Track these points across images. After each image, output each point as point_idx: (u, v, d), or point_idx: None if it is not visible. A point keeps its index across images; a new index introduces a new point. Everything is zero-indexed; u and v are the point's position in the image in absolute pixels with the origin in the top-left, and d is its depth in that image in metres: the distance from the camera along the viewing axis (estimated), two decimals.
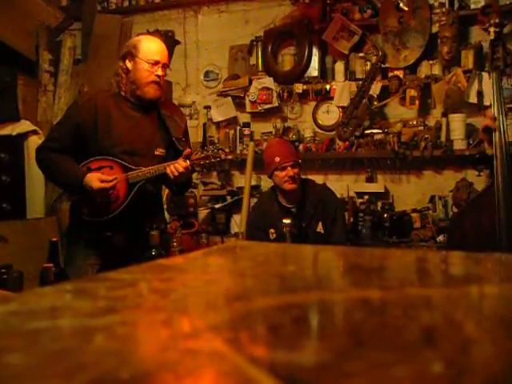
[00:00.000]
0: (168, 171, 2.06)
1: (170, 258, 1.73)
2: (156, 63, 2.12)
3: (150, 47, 2.15)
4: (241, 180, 3.66)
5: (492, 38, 2.48)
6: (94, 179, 2.07)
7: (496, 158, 2.33)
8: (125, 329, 0.39)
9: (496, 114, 2.35)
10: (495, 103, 2.36)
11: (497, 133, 2.34)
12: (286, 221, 2.03)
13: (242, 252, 0.92)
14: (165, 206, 2.99)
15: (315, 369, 0.31)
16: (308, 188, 2.58)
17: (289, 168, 2.47)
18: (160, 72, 2.12)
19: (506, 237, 2.27)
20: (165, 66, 2.16)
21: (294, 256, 0.89)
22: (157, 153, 2.18)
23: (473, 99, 3.06)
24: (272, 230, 2.49)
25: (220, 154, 2.11)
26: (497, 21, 2.50)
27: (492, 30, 2.48)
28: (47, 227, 3.20)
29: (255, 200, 3.22)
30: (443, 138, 3.15)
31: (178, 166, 2.05)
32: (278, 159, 2.49)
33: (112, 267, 1.92)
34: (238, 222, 3.33)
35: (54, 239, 1.66)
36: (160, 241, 1.82)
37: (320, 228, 2.49)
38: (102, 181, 2.07)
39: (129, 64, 2.14)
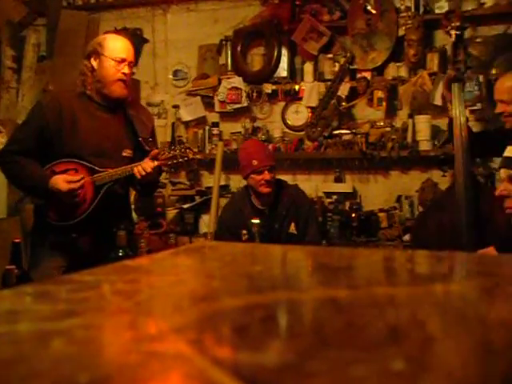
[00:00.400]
0: (135, 172, 2.03)
1: (136, 258, 1.71)
2: (122, 61, 2.08)
3: (116, 45, 2.12)
4: (210, 180, 3.64)
5: (454, 40, 2.54)
6: (60, 181, 2.02)
7: (456, 159, 2.39)
8: (85, 332, 0.38)
9: (457, 114, 2.41)
10: (457, 102, 2.43)
11: (457, 134, 2.39)
12: (255, 221, 2.03)
13: (210, 252, 0.91)
14: (132, 207, 2.94)
15: (278, 369, 0.31)
16: (281, 189, 2.56)
17: (266, 172, 2.44)
18: (126, 70, 2.09)
19: (467, 235, 2.32)
20: (131, 64, 2.13)
21: (262, 256, 0.89)
22: (124, 154, 2.15)
23: (438, 101, 3.13)
24: (244, 231, 2.47)
25: (188, 154, 2.09)
26: (458, 24, 2.57)
27: (453, 32, 2.54)
28: (10, 228, 3.11)
29: (224, 200, 3.21)
30: (409, 139, 3.21)
31: (145, 166, 2.02)
32: (255, 162, 2.46)
33: (78, 269, 1.88)
34: (206, 222, 3.31)
35: (17, 240, 1.61)
36: (127, 241, 1.79)
37: (292, 229, 2.49)
38: (69, 182, 2.02)
39: (94, 62, 2.10)
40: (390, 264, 0.80)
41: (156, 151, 2.06)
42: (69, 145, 2.08)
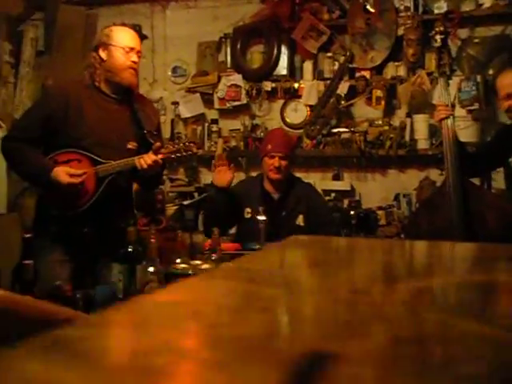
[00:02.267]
0: (137, 164, 2.04)
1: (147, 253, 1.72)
2: (131, 50, 2.12)
3: (124, 35, 2.15)
4: (208, 176, 3.64)
5: (438, 45, 2.58)
6: (62, 173, 2.02)
7: (446, 158, 2.41)
8: None
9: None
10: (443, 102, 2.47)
11: (445, 132, 2.42)
12: (261, 217, 2.05)
13: (317, 245, 0.92)
14: None
15: None
16: (295, 183, 2.65)
17: (277, 158, 2.53)
18: (135, 58, 2.13)
19: (458, 234, 2.34)
20: (139, 54, 2.16)
21: (367, 248, 0.93)
22: (129, 146, 2.15)
23: (436, 101, 3.17)
24: (248, 210, 2.54)
25: (191, 148, 2.11)
26: (441, 28, 2.61)
27: (438, 37, 2.58)
28: (10, 224, 3.10)
29: None
30: (407, 138, 3.25)
31: (146, 159, 2.03)
32: (269, 146, 2.56)
33: (82, 264, 1.89)
34: None
35: (28, 235, 1.62)
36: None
37: (300, 221, 2.54)
38: (71, 175, 2.02)
39: (103, 54, 2.12)
40: None
41: (159, 144, 2.07)
42: (74, 134, 2.08)
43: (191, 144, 2.12)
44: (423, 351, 0.36)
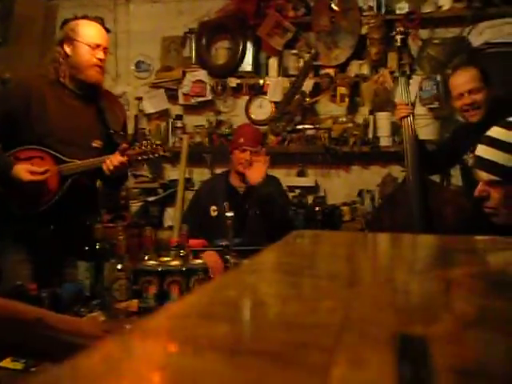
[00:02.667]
0: (103, 165, 2.00)
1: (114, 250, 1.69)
2: (97, 46, 2.06)
3: (90, 31, 2.09)
4: (172, 173, 3.62)
5: (399, 44, 2.64)
6: (23, 171, 1.96)
7: (406, 156, 2.47)
8: None
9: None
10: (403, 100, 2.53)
11: (405, 130, 2.48)
12: (229, 214, 2.05)
13: (326, 239, 0.93)
14: None
15: None
16: None
17: (248, 152, 2.55)
18: (101, 55, 2.07)
19: (418, 229, 2.41)
20: (105, 50, 2.10)
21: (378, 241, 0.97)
22: (94, 145, 2.11)
23: (397, 99, 3.24)
24: (214, 208, 2.54)
25: (158, 150, 2.08)
26: (402, 29, 2.68)
27: (398, 37, 2.64)
28: None
29: (189, 193, 3.20)
30: (370, 135, 3.31)
31: (113, 160, 2.00)
32: (241, 140, 2.58)
33: (47, 262, 1.83)
34: (171, 215, 3.30)
35: None
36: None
37: (257, 209, 2.56)
38: (32, 172, 1.97)
39: (68, 49, 2.06)
40: None
41: (126, 146, 2.04)
42: (37, 131, 2.02)
43: (158, 146, 2.09)
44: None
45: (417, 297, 0.53)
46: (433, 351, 0.33)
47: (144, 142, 2.13)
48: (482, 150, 1.47)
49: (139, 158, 2.06)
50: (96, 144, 2.11)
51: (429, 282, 0.57)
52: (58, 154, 2.02)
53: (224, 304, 0.46)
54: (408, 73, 2.68)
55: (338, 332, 0.37)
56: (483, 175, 1.47)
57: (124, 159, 2.01)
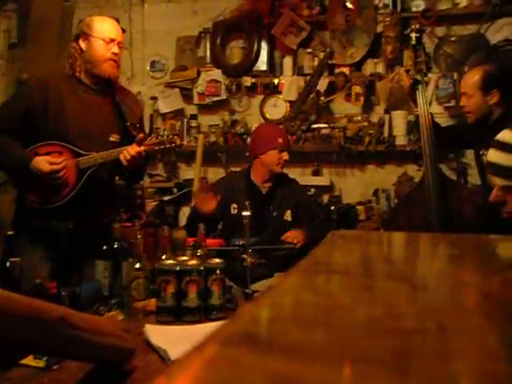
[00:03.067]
0: (120, 156, 2.01)
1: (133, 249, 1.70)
2: (111, 41, 2.08)
3: (104, 25, 2.11)
4: (187, 172, 3.63)
5: (414, 43, 2.62)
6: (43, 162, 1.99)
7: (424, 156, 2.46)
8: None
9: (422, 113, 2.50)
10: (421, 102, 2.51)
11: (424, 130, 2.47)
12: (246, 213, 2.04)
13: (370, 239, 0.93)
14: None
15: None
16: (282, 177, 2.67)
17: (285, 152, 2.58)
18: (116, 50, 2.08)
19: (437, 230, 2.40)
20: (120, 45, 2.12)
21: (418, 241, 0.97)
22: (111, 139, 2.12)
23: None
24: (234, 205, 2.54)
25: (175, 140, 2.09)
26: (417, 27, 2.66)
27: (413, 35, 2.62)
28: None
29: None
30: (386, 134, 3.29)
31: (130, 150, 2.00)
32: (280, 140, 2.59)
33: (66, 261, 1.84)
34: (186, 214, 3.31)
35: (10, 233, 1.58)
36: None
37: (287, 216, 2.56)
38: (51, 163, 1.99)
39: (83, 44, 2.08)
40: None
41: (142, 136, 2.05)
42: (55, 127, 2.05)
43: (175, 136, 2.11)
44: None
45: (498, 300, 0.51)
46: None
47: (161, 132, 2.15)
48: (493, 155, 1.45)
49: (156, 148, 2.06)
50: (113, 138, 2.13)
51: None
52: (75, 148, 2.04)
53: (309, 307, 0.44)
54: (424, 71, 2.66)
55: (441, 338, 0.36)
56: (497, 180, 1.45)
57: (141, 149, 2.02)
